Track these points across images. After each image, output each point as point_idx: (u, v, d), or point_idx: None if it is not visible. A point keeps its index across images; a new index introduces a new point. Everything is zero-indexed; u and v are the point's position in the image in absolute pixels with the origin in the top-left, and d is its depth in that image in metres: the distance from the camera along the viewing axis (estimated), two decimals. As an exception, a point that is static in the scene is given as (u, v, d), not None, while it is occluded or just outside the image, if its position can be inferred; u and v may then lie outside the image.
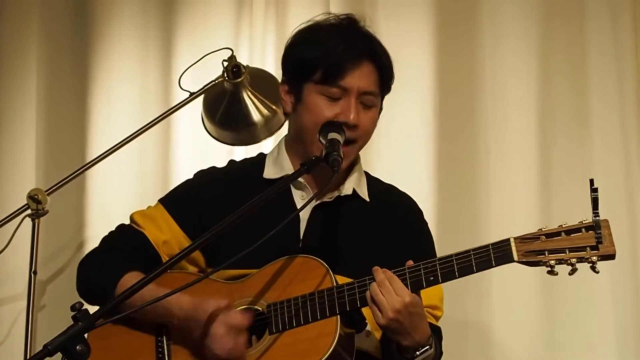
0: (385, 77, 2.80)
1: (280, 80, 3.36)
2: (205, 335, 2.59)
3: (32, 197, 3.55)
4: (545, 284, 3.71)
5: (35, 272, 3.58)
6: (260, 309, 2.64)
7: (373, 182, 2.91)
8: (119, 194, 4.03)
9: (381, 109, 2.84)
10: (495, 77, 3.91)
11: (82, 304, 2.18)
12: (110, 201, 4.03)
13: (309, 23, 2.84)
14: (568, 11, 3.91)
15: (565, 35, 3.91)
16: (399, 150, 3.90)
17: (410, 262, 2.57)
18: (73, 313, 2.16)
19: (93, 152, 3.98)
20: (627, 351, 3.71)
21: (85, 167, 3.67)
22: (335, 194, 2.80)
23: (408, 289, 2.54)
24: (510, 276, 3.61)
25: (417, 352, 2.56)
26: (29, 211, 3.57)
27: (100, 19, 4.16)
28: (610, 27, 3.86)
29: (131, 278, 2.68)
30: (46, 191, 3.58)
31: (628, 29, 3.84)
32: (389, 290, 2.51)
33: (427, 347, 2.58)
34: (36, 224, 3.58)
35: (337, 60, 2.72)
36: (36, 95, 4.12)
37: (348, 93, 2.72)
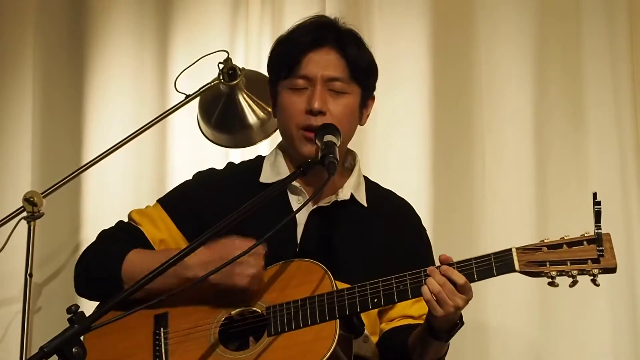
0: (353, 65, 2.77)
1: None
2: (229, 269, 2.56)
3: (28, 200, 3.55)
4: (542, 292, 3.71)
5: (31, 275, 3.57)
6: (259, 311, 2.64)
7: (371, 187, 2.91)
8: (115, 197, 4.03)
9: (365, 99, 2.82)
10: (491, 80, 3.91)
11: (78, 307, 2.18)
12: (106, 204, 4.03)
13: (291, 26, 2.86)
14: (564, 15, 3.92)
15: (560, 40, 3.91)
16: (393, 153, 3.89)
17: (445, 257, 2.57)
18: (69, 315, 2.16)
19: (89, 155, 3.98)
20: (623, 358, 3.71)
21: (80, 170, 3.67)
22: (333, 198, 2.80)
23: (408, 294, 2.55)
24: (506, 283, 3.61)
25: (452, 332, 2.58)
26: (24, 214, 3.57)
27: (96, 21, 4.16)
28: (606, 30, 3.86)
29: (135, 254, 2.69)
30: (42, 194, 3.58)
31: (624, 32, 3.84)
32: (451, 290, 2.50)
33: (459, 324, 2.59)
34: (32, 226, 3.58)
35: (295, 50, 2.74)
36: (32, 97, 4.13)
37: (311, 81, 2.73)
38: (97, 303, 2.78)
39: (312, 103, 2.71)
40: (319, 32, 2.78)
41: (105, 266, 2.74)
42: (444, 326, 2.57)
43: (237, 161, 3.07)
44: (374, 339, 2.77)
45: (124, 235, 2.82)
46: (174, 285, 2.59)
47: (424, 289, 2.52)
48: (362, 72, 2.80)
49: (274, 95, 2.84)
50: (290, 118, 2.75)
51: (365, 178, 2.92)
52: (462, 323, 2.60)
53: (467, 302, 2.52)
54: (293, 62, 2.74)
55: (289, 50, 2.76)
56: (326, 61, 2.75)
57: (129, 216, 2.88)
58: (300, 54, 2.74)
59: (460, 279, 2.51)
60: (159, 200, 2.91)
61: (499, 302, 3.75)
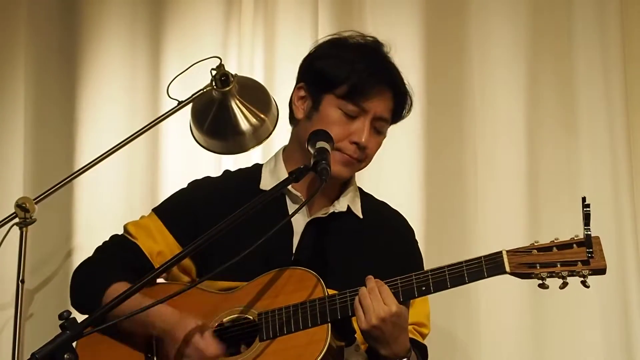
0: (399, 108, 2.84)
1: (268, 88, 3.38)
2: (178, 352, 2.60)
3: (20, 206, 3.54)
4: (533, 297, 3.72)
5: (22, 281, 3.56)
6: (251, 317, 2.64)
7: (366, 199, 2.93)
8: (107, 203, 4.02)
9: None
10: (483, 87, 3.92)
11: (70, 313, 2.18)
12: (99, 210, 4.02)
13: (334, 37, 2.88)
14: (555, 21, 3.93)
15: (552, 46, 3.92)
16: (385, 160, 3.88)
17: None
18: (61, 322, 2.16)
19: (81, 161, 3.97)
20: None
21: (73, 176, 3.65)
22: (330, 210, 2.81)
23: (399, 297, 2.56)
24: (498, 289, 3.62)
25: None
26: (16, 220, 3.55)
27: (88, 27, 4.16)
28: (598, 37, 3.87)
29: (119, 287, 2.68)
30: (34, 200, 3.56)
31: (616, 39, 3.85)
32: (377, 297, 2.53)
33: (405, 359, 2.60)
34: (24, 232, 3.56)
35: (363, 82, 2.76)
36: (24, 103, 4.12)
37: (365, 114, 2.76)
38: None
39: (361, 137, 2.76)
40: (383, 69, 2.82)
41: (90, 292, 2.76)
42: (380, 349, 2.58)
43: (230, 167, 3.07)
44: (364, 347, 2.77)
45: (120, 253, 2.82)
46: (139, 331, 2.69)
47: (356, 297, 2.55)
48: (401, 115, 2.88)
49: (313, 99, 2.82)
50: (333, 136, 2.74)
51: (360, 189, 2.93)
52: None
53: (390, 315, 2.53)
54: (357, 90, 2.76)
55: (353, 76, 2.76)
56: (382, 101, 2.79)
57: (125, 229, 2.88)
58: (367, 87, 2.76)
59: (378, 282, 2.55)
60: (155, 210, 2.90)
61: (489, 308, 3.75)
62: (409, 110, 2.89)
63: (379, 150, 3.77)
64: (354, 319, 2.63)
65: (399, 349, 2.58)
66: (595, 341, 3.72)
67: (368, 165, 3.79)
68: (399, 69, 2.88)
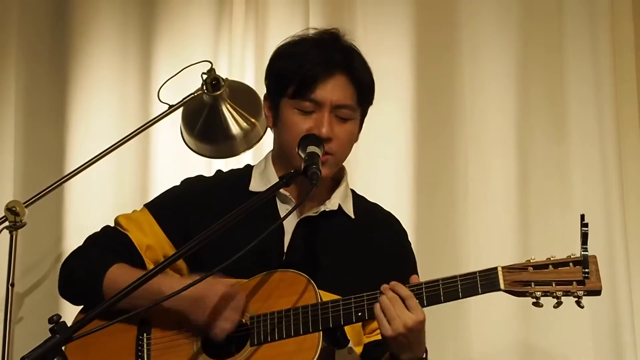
0: (362, 91, 2.79)
1: (259, 93, 3.39)
2: (211, 314, 2.60)
3: (10, 209, 3.54)
4: (524, 312, 3.71)
5: (12, 284, 3.56)
6: (242, 320, 2.64)
7: (358, 200, 2.92)
8: (98, 207, 4.02)
9: (363, 119, 2.84)
10: (475, 95, 3.92)
11: (60, 316, 2.18)
12: (89, 213, 4.02)
13: (292, 38, 2.84)
14: (546, 30, 3.94)
15: (543, 60, 3.93)
16: (375, 169, 3.89)
17: (415, 277, 2.58)
18: (51, 325, 2.16)
19: (71, 165, 3.97)
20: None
21: (63, 180, 3.66)
22: (321, 208, 2.81)
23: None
24: (488, 303, 3.61)
25: None
26: (6, 223, 3.56)
27: (79, 31, 4.15)
28: (588, 39, 3.88)
29: (118, 269, 2.70)
30: (24, 203, 3.56)
31: (606, 42, 3.86)
32: (401, 306, 2.51)
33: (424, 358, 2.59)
34: (14, 236, 3.57)
35: (308, 73, 2.72)
36: (14, 106, 4.11)
37: (321, 106, 2.73)
38: (79, 311, 2.81)
39: (321, 129, 2.71)
40: (330, 56, 2.75)
41: (88, 276, 2.75)
42: (402, 354, 2.55)
43: (227, 170, 3.08)
44: (359, 349, 2.77)
45: (111, 243, 2.82)
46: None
47: (375, 305, 2.53)
48: (368, 97, 2.82)
49: (274, 107, 2.81)
50: (296, 139, 2.72)
51: (352, 191, 2.93)
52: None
53: (417, 323, 2.50)
54: (303, 84, 2.72)
55: (299, 71, 2.73)
56: (337, 88, 2.74)
57: (116, 221, 2.88)
58: (312, 78, 2.72)
59: (404, 291, 2.51)
60: (146, 205, 2.91)
61: (481, 322, 3.75)
62: (372, 90, 2.83)
63: (372, 153, 3.84)
64: (346, 327, 2.63)
65: (418, 351, 2.56)
66: (586, 355, 3.73)
67: (360, 170, 3.83)
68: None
